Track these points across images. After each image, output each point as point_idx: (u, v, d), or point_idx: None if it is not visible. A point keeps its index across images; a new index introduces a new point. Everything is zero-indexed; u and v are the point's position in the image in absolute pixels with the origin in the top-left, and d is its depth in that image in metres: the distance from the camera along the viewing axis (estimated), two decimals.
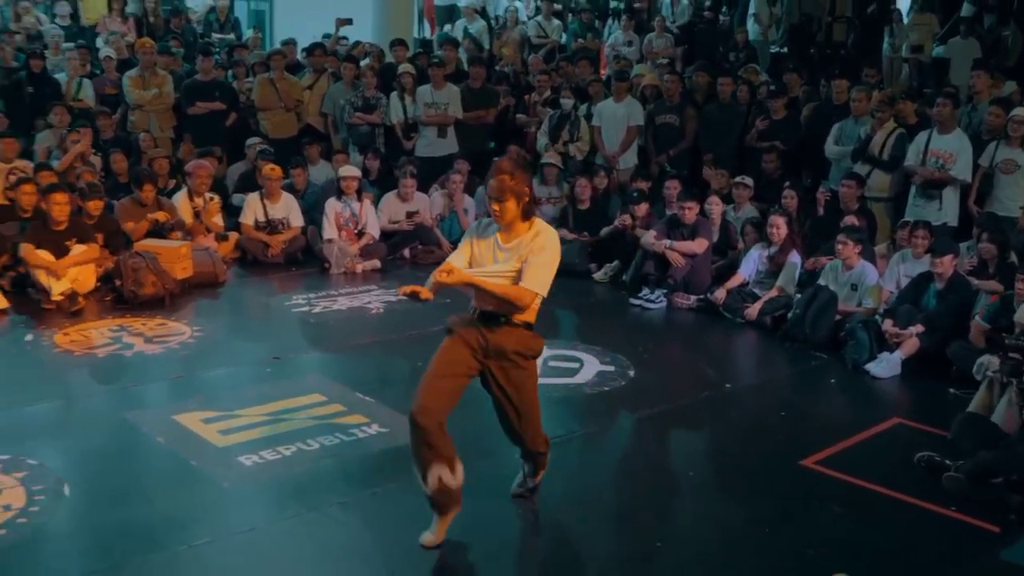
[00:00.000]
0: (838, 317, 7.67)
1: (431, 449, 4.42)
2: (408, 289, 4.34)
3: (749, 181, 9.70)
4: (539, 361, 7.05)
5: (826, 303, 7.71)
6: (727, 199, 9.66)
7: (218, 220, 10.12)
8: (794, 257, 8.42)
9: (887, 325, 7.35)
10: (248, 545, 4.60)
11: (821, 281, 7.96)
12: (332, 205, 10.03)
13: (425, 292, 4.31)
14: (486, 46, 14.68)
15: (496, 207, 4.32)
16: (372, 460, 5.51)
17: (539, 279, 4.32)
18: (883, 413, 6.55)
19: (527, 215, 4.38)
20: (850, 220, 8.52)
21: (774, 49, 14.10)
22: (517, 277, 4.34)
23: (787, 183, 9.56)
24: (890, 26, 13.28)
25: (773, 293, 8.32)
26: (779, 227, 8.45)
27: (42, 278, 8.29)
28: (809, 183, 10.09)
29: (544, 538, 4.77)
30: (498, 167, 4.37)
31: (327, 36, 13.51)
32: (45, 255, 8.34)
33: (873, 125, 9.49)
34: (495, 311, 4.43)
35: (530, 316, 4.49)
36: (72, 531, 4.76)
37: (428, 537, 4.52)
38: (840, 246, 7.86)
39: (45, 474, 5.22)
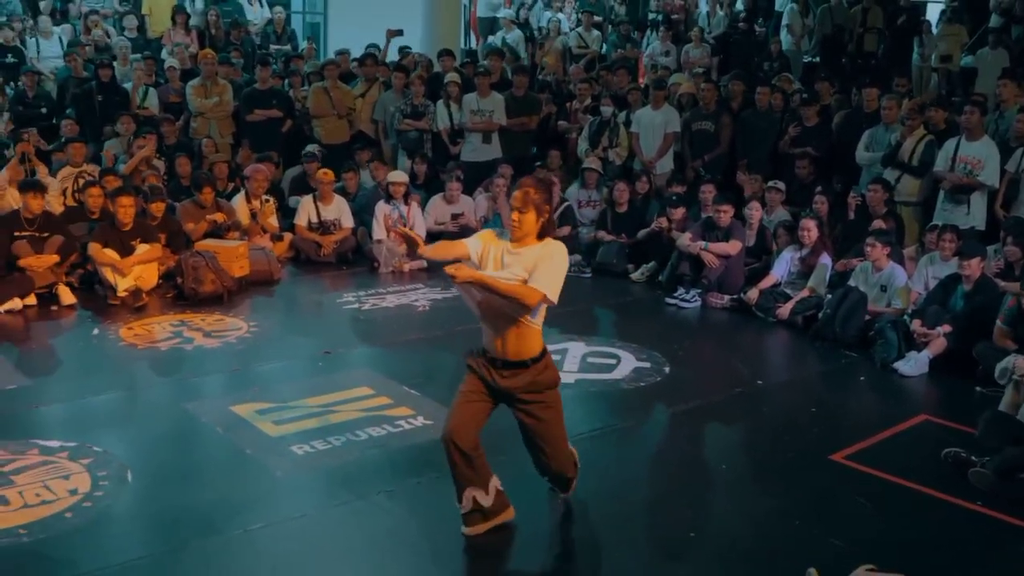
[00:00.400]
0: (867, 317, 7.57)
1: (464, 473, 4.42)
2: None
3: (781, 185, 9.64)
4: (578, 356, 7.22)
5: (856, 303, 7.60)
6: (760, 203, 9.57)
7: (273, 221, 10.19)
8: (825, 259, 8.33)
9: (915, 325, 7.24)
10: (300, 531, 4.62)
11: (851, 282, 7.87)
12: (381, 207, 10.07)
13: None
14: (522, 55, 14.66)
15: (516, 217, 4.21)
16: (417, 451, 5.51)
17: (548, 281, 4.18)
18: (911, 410, 6.45)
19: (543, 233, 4.28)
20: (879, 224, 8.42)
21: (807, 59, 13.94)
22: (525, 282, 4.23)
23: (819, 188, 9.48)
24: (920, 36, 13.08)
25: (804, 293, 8.22)
26: (810, 230, 8.37)
27: (108, 275, 8.39)
28: (840, 188, 9.96)
29: (580, 528, 4.74)
30: (523, 181, 4.31)
31: (372, 46, 13.51)
32: (111, 254, 8.44)
33: (903, 132, 9.36)
34: (500, 356, 4.35)
35: (535, 345, 4.38)
36: (134, 515, 4.80)
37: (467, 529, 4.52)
38: (869, 248, 7.77)
39: (109, 461, 5.28)
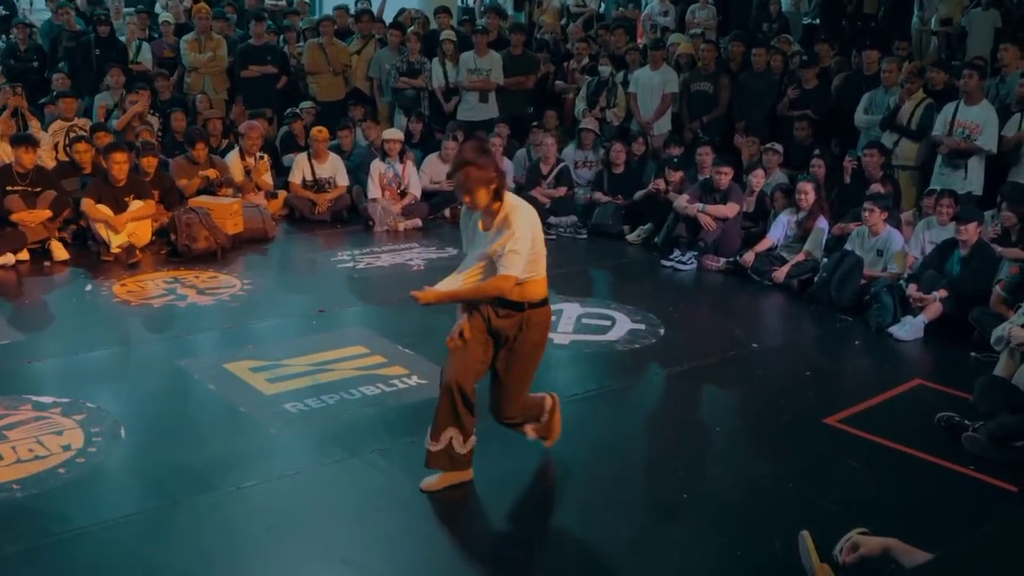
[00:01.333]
0: (863, 281, 7.55)
1: (453, 414, 4.44)
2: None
3: (779, 147, 9.60)
4: (573, 317, 7.20)
5: (852, 267, 7.58)
6: (757, 165, 9.52)
7: (268, 178, 10.12)
8: (822, 223, 8.30)
9: (911, 290, 7.22)
10: (292, 488, 4.61)
11: (848, 246, 7.84)
12: (376, 166, 10.00)
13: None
14: (510, 12, 14.52)
15: (467, 199, 4.24)
16: (411, 410, 5.50)
17: (513, 263, 4.20)
18: (905, 375, 6.45)
19: (497, 196, 4.27)
20: (876, 188, 8.37)
21: (806, 20, 13.82)
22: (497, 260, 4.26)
23: (816, 151, 9.42)
24: None
25: (800, 257, 8.20)
26: (807, 193, 8.33)
27: (102, 231, 8.35)
28: (838, 151, 9.92)
29: (573, 489, 4.74)
30: (461, 158, 4.23)
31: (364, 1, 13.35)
32: (105, 210, 8.39)
33: (902, 95, 9.30)
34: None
35: (537, 292, 4.43)
36: (127, 471, 4.79)
37: (429, 482, 4.55)
38: (867, 213, 7.73)
39: (102, 417, 5.26)
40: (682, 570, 4.06)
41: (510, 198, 4.33)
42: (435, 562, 4.08)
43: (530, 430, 4.81)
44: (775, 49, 11.00)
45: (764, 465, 5.03)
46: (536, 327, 4.48)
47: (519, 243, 4.20)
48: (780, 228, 8.56)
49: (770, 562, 4.08)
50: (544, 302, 4.49)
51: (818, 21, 13.51)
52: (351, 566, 4.01)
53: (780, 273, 8.14)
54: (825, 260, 7.93)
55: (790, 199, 8.66)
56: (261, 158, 10.09)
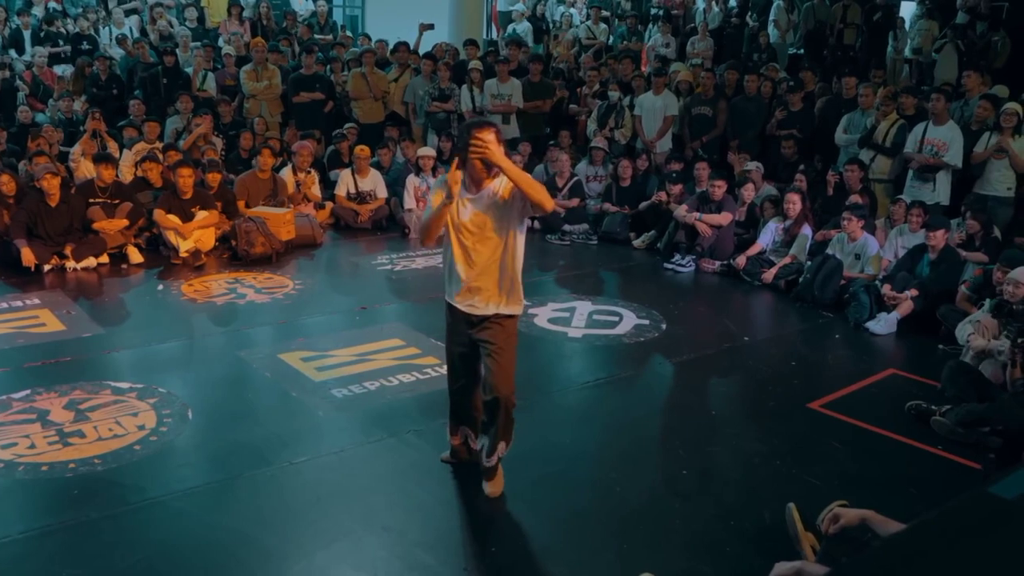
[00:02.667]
0: (843, 282, 7.50)
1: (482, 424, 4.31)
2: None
3: (759, 165, 9.58)
4: (585, 313, 7.19)
5: (833, 269, 7.53)
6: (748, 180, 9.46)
7: (316, 191, 10.15)
8: (806, 229, 8.25)
9: (886, 289, 7.18)
10: (339, 463, 4.63)
11: (829, 250, 7.79)
12: (412, 180, 10.01)
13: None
14: (530, 44, 14.50)
15: (488, 154, 3.84)
16: (442, 395, 5.41)
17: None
18: (880, 365, 6.41)
19: (490, 169, 3.96)
20: (855, 199, 8.31)
21: (792, 50, 13.72)
22: (511, 203, 3.92)
23: (801, 167, 9.37)
24: (894, 31, 12.85)
25: (787, 260, 8.15)
26: (794, 203, 8.29)
27: (171, 238, 8.39)
28: (820, 166, 9.86)
29: (587, 466, 4.72)
30: (480, 121, 3.97)
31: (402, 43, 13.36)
32: (174, 219, 8.43)
33: (877, 116, 9.24)
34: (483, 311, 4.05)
35: (517, 305, 4.10)
36: (194, 448, 4.82)
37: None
38: (846, 221, 7.67)
39: (172, 400, 5.30)
40: (683, 537, 4.04)
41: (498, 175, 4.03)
42: (464, 528, 4.08)
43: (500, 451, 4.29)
44: (764, 76, 10.94)
45: (755, 444, 5.01)
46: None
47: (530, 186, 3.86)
48: (769, 234, 8.51)
49: (760, 530, 4.06)
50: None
51: (802, 51, 13.41)
52: (390, 532, 4.02)
53: (769, 274, 8.10)
54: (809, 263, 7.89)
55: (778, 208, 8.61)
56: (310, 173, 10.13)
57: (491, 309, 4.09)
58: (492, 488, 4.31)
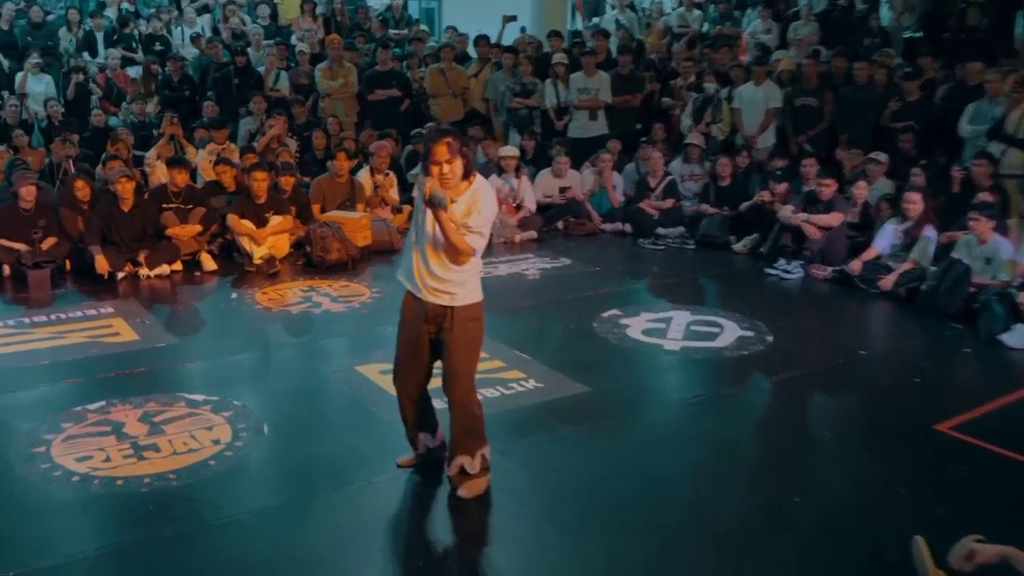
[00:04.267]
0: (972, 289, 7.21)
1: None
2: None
3: (883, 157, 9.27)
4: (682, 324, 7.09)
5: (961, 275, 7.26)
6: (860, 177, 9.22)
7: (394, 194, 10.26)
8: (930, 231, 7.97)
9: (1022, 297, 6.88)
10: (419, 484, 4.63)
11: (955, 254, 7.51)
12: (493, 181, 10.04)
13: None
14: (637, 35, 14.42)
15: (447, 169, 4.02)
16: (528, 412, 5.48)
17: (476, 241, 4.12)
18: (1018, 382, 6.11)
19: (467, 173, 4.13)
20: (984, 196, 8.00)
21: (908, 33, 13.34)
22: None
23: (921, 161, 9.09)
24: (1023, 9, 12.38)
25: (908, 266, 7.89)
26: (915, 203, 8.02)
27: (245, 244, 8.58)
28: (943, 162, 9.54)
29: (685, 487, 4.64)
30: (436, 135, 4.08)
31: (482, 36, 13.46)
32: (248, 224, 8.63)
33: (1007, 105, 8.89)
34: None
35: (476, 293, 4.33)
36: (270, 464, 4.90)
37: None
38: (973, 222, 7.40)
39: (247, 414, 5.39)
40: (793, 570, 3.92)
41: (480, 179, 4.23)
42: (551, 552, 4.04)
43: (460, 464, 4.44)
44: (877, 63, 10.65)
45: (874, 469, 4.84)
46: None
47: (483, 225, 4.12)
48: (886, 237, 8.26)
49: (883, 566, 3.92)
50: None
51: (920, 34, 13.02)
52: (473, 557, 4.01)
53: (887, 281, 7.86)
54: (933, 268, 7.63)
55: (895, 209, 8.36)
56: (387, 175, 10.24)
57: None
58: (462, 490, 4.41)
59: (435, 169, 4.05)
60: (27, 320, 7.18)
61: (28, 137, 10.66)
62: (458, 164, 4.08)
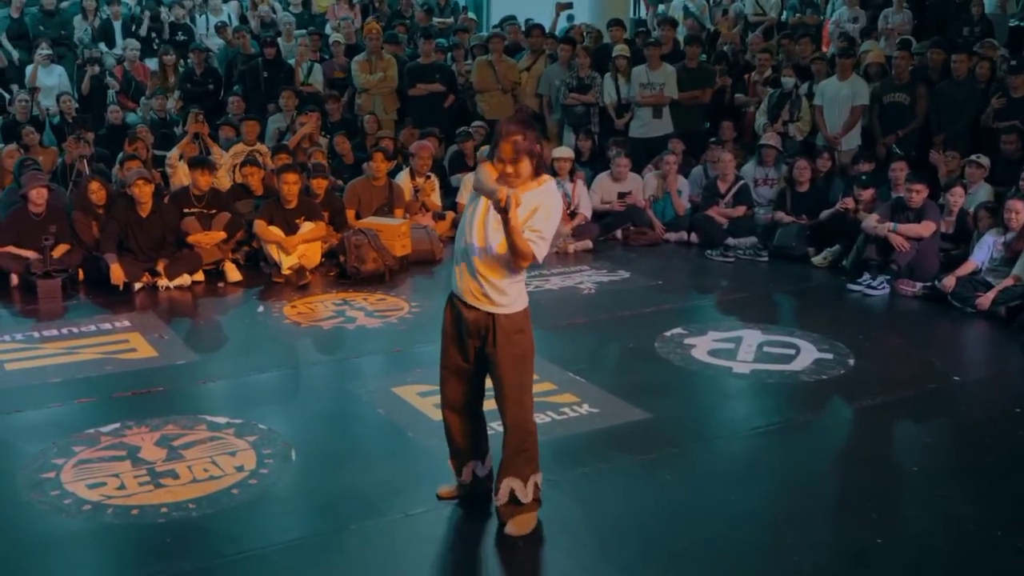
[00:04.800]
0: None
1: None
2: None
3: (985, 160, 9.16)
4: (753, 345, 7.07)
5: None
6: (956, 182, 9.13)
7: (435, 199, 10.35)
8: None
9: None
10: (461, 518, 4.68)
11: None
12: None
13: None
14: (708, 24, 14.41)
15: (512, 170, 4.08)
16: (582, 440, 5.51)
17: (539, 248, 4.12)
18: None
19: (538, 171, 4.17)
20: None
21: (1014, 22, 13.19)
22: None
23: None
24: None
25: (1009, 282, 7.79)
26: (1019, 212, 7.93)
27: (273, 253, 8.71)
28: None
29: (756, 527, 4.63)
30: (506, 129, 4.13)
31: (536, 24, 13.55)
32: (277, 231, 8.76)
33: None
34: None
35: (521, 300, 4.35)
36: (298, 493, 4.97)
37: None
38: None
39: (274, 439, 5.48)
40: None
41: (548, 179, 4.26)
42: None
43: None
44: (978, 55, 10.54)
45: (968, 508, 4.79)
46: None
47: (547, 230, 4.13)
48: (985, 250, 8.17)
49: None
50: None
51: None
52: None
53: (985, 299, 7.77)
54: None
55: (996, 218, 8.26)
56: (429, 178, 10.34)
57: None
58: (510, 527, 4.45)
59: (498, 167, 4.12)
60: (36, 334, 7.37)
61: (39, 135, 10.92)
62: (525, 165, 4.12)
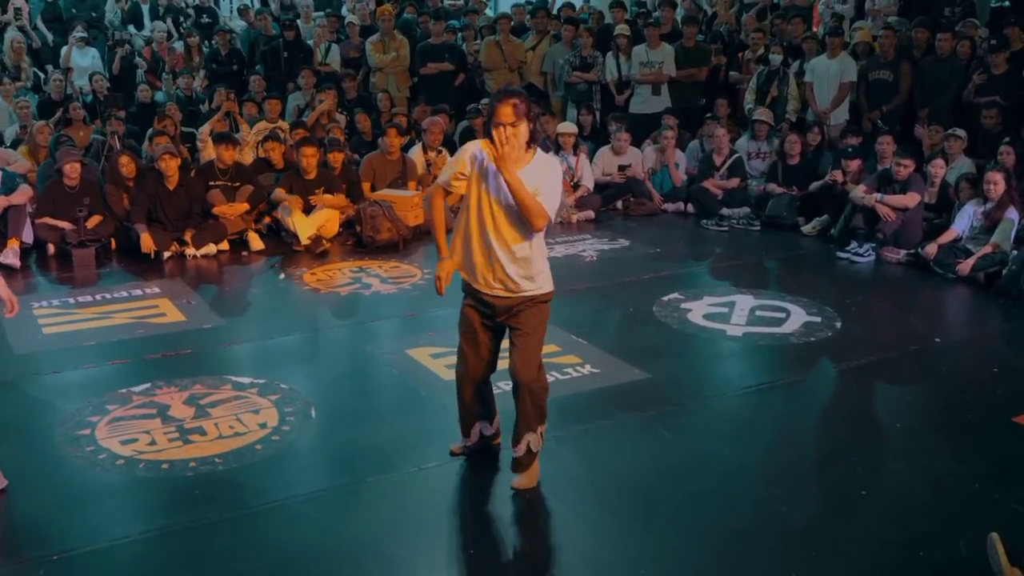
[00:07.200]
0: None
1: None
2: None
3: (962, 133, 9.07)
4: (746, 309, 7.04)
5: None
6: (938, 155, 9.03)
7: None
8: (1011, 213, 7.82)
9: None
10: (470, 472, 4.68)
11: None
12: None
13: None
14: (705, 6, 14.26)
15: (511, 132, 3.96)
16: (584, 399, 5.50)
17: (551, 206, 4.10)
18: None
19: (532, 138, 4.10)
20: None
21: (995, 3, 13.01)
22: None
23: (1006, 139, 8.87)
24: None
25: (987, 249, 7.74)
26: (997, 183, 7.87)
27: (290, 225, 8.66)
28: None
29: (748, 480, 4.62)
30: (502, 94, 4.03)
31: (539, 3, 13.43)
32: (294, 198, 8.77)
33: None
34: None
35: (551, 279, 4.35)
36: (317, 449, 4.99)
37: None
38: None
39: (295, 397, 5.49)
40: (860, 568, 3.89)
41: (541, 152, 4.21)
42: (609, 550, 4.05)
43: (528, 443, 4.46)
44: (961, 34, 10.41)
45: (948, 463, 4.78)
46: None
47: (551, 188, 4.10)
48: (965, 219, 8.11)
49: (955, 563, 3.88)
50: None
51: (1007, 3, 12.68)
52: (524, 547, 4.04)
53: (965, 266, 7.72)
54: (1015, 253, 7.48)
55: (976, 189, 8.19)
56: (440, 153, 10.29)
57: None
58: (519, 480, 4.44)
59: (498, 132, 4.00)
60: (72, 300, 7.38)
61: (84, 112, 10.89)
62: (523, 128, 4.05)
